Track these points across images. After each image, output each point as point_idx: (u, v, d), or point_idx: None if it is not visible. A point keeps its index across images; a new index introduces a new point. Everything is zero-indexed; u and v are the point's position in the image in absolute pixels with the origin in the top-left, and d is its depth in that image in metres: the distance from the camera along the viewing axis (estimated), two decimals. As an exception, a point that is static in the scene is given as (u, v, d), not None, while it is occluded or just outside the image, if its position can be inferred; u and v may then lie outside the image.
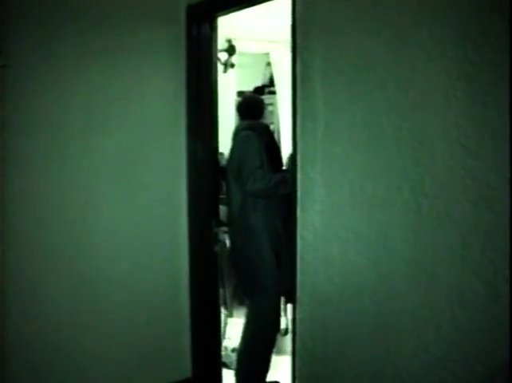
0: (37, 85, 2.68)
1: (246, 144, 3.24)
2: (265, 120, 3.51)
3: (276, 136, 4.61)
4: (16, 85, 2.60)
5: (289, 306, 3.88)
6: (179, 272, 3.24)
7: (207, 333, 3.31)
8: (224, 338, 3.75)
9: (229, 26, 4.48)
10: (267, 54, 5.32)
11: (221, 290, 3.46)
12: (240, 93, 5.34)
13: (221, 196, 3.39)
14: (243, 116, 3.48)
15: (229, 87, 5.19)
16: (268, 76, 5.43)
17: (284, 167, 3.41)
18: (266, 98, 3.58)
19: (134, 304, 3.04)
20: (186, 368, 3.30)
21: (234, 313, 4.29)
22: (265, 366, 3.31)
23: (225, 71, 5.07)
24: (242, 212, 3.24)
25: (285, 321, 4.09)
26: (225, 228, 3.52)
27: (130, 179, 3.01)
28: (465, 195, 1.80)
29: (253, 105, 3.51)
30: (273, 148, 3.35)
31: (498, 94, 1.69)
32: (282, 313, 4.02)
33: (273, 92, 5.02)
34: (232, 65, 5.15)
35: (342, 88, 2.22)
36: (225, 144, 3.49)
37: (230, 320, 3.97)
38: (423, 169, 1.92)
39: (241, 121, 3.53)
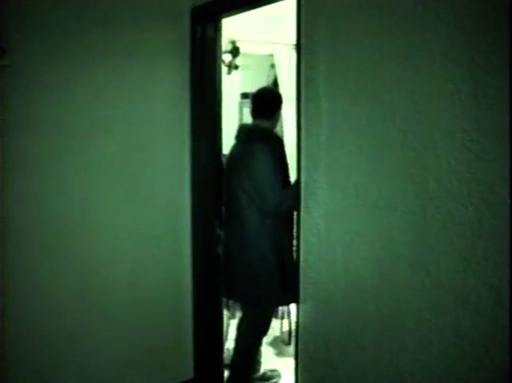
0: (40, 85, 2.68)
1: (264, 164, 3.10)
2: (275, 121, 3.33)
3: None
4: (18, 85, 2.60)
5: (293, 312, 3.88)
6: (182, 273, 3.24)
7: (209, 334, 3.31)
8: (226, 340, 3.74)
9: (233, 28, 4.49)
10: (271, 56, 5.33)
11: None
12: (244, 95, 5.35)
13: (224, 198, 3.39)
14: (254, 113, 3.32)
15: (233, 88, 5.20)
16: (272, 77, 5.43)
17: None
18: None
19: (136, 305, 3.05)
20: (188, 369, 3.30)
21: (237, 314, 4.28)
22: (253, 361, 3.40)
23: (229, 72, 5.08)
24: (253, 228, 3.17)
25: (287, 323, 4.08)
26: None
27: (133, 179, 3.02)
28: (469, 199, 1.80)
29: (265, 102, 3.31)
30: (284, 161, 3.25)
31: (503, 97, 1.69)
32: (286, 316, 4.02)
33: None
34: (236, 67, 5.16)
35: (346, 91, 2.22)
36: (228, 146, 3.49)
37: (232, 321, 3.96)
38: (428, 172, 1.91)
39: (252, 121, 3.37)
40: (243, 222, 3.19)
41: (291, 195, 2.97)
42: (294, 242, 3.11)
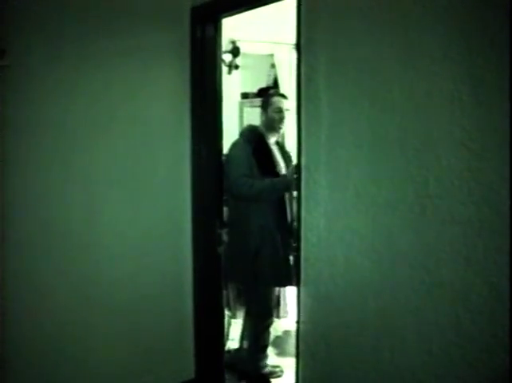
0: (40, 86, 2.68)
1: (232, 151, 3.45)
2: (262, 118, 3.54)
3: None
4: (18, 86, 2.61)
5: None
6: (183, 273, 3.25)
7: (211, 334, 3.31)
8: (227, 339, 3.75)
9: (233, 28, 4.49)
10: (271, 56, 5.32)
11: (224, 292, 3.46)
12: (244, 95, 5.35)
13: (224, 198, 3.40)
14: None
15: (233, 88, 5.20)
16: (272, 77, 5.43)
17: (282, 170, 3.45)
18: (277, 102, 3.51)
19: (137, 305, 3.05)
20: (189, 369, 3.30)
21: (238, 314, 4.29)
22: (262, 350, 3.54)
23: (229, 72, 5.07)
24: (235, 214, 3.47)
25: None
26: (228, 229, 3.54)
27: (134, 180, 3.02)
28: (469, 197, 1.80)
29: None
30: (264, 151, 3.42)
31: (502, 96, 1.69)
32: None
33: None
34: (236, 67, 5.15)
35: (346, 90, 2.22)
36: (229, 146, 3.50)
37: (233, 321, 3.96)
38: (427, 171, 1.92)
39: None
40: (230, 209, 3.48)
41: (263, 186, 3.28)
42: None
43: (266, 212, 3.34)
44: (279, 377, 3.61)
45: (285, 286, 3.50)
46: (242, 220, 3.39)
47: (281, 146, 3.65)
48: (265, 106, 3.52)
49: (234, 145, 3.49)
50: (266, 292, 3.45)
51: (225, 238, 3.36)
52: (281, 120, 3.47)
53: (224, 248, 3.33)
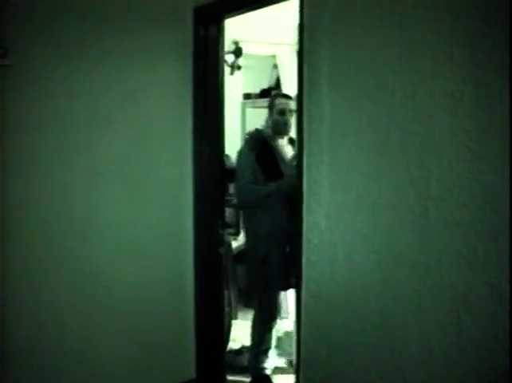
0: (42, 86, 2.68)
1: (238, 159, 3.47)
2: (267, 122, 3.51)
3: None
4: (20, 85, 2.61)
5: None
6: (184, 273, 3.25)
7: (212, 334, 3.31)
8: (228, 340, 3.74)
9: (236, 28, 4.49)
10: (274, 56, 5.32)
11: (225, 292, 3.46)
12: (246, 95, 5.35)
13: (227, 198, 3.40)
14: None
15: (235, 89, 5.20)
16: (275, 78, 5.43)
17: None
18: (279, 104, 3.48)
19: (138, 305, 3.05)
20: (190, 369, 3.30)
21: (239, 315, 4.29)
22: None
23: (231, 73, 5.08)
24: (246, 221, 3.54)
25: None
26: (230, 230, 3.54)
27: (135, 180, 3.02)
28: (470, 199, 1.80)
29: None
30: (268, 156, 3.40)
31: (504, 98, 1.69)
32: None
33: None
34: (239, 67, 5.16)
35: (349, 92, 2.22)
36: (231, 146, 3.50)
37: (234, 322, 3.96)
38: (429, 172, 1.92)
39: None
40: (243, 216, 3.57)
41: (269, 190, 3.28)
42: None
43: (273, 217, 3.33)
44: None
45: (291, 289, 3.48)
46: (251, 227, 3.42)
47: (294, 142, 3.57)
48: (270, 108, 3.49)
49: (239, 153, 3.49)
50: (273, 296, 3.46)
51: (226, 239, 3.36)
52: (286, 122, 3.42)
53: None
